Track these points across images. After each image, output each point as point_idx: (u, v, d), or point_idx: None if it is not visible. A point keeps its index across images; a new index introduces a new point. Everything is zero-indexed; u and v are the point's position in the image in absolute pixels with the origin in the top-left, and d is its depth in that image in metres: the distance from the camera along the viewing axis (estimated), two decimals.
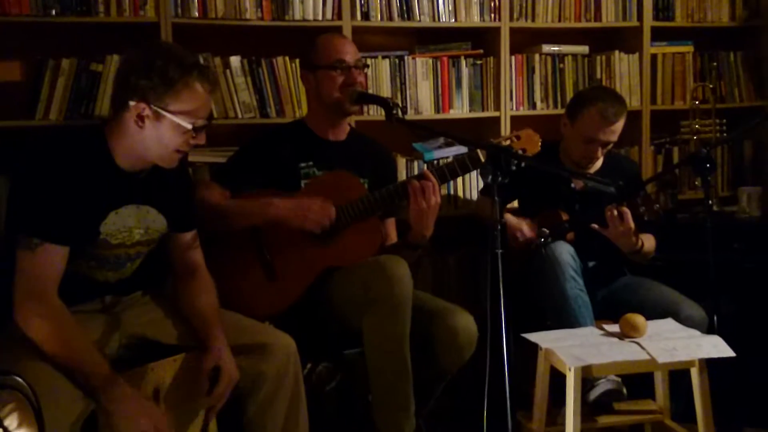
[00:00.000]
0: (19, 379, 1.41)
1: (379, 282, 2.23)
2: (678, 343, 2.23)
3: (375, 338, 2.27)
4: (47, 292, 1.81)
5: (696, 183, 3.48)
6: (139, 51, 1.90)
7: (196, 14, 2.89)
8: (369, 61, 3.11)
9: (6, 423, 1.41)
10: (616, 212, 2.52)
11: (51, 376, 1.72)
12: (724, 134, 3.46)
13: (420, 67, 3.22)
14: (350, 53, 2.54)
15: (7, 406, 1.57)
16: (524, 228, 2.73)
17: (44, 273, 1.82)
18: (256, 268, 2.41)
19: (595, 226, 2.59)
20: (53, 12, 2.73)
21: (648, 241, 2.71)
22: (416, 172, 3.17)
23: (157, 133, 1.87)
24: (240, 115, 2.98)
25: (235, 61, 2.97)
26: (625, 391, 2.43)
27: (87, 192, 1.87)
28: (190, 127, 1.86)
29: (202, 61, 2.85)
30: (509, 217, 2.76)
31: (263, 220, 2.37)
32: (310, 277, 2.41)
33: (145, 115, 1.85)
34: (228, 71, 2.96)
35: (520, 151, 2.43)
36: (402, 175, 3.15)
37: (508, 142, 2.44)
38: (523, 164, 2.00)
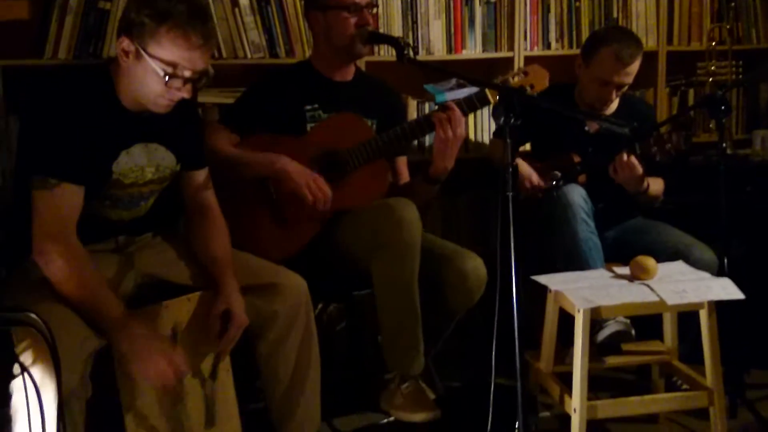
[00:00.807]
0: (34, 317, 1.43)
1: (388, 225, 2.24)
2: (688, 285, 2.23)
3: (384, 281, 2.28)
4: (66, 231, 1.82)
5: (710, 125, 3.45)
6: None
7: None
8: (380, 0, 3.06)
9: (21, 359, 1.44)
10: (625, 157, 2.51)
11: (65, 314, 1.74)
12: (740, 76, 3.41)
13: (432, 5, 3.15)
14: None
15: (22, 342, 1.61)
16: (533, 176, 2.72)
17: (62, 213, 1.82)
18: (266, 213, 2.42)
19: (611, 170, 2.57)
20: None
21: (655, 185, 2.69)
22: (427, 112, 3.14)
23: (137, 74, 1.83)
24: (249, 55, 2.94)
25: None
26: (633, 332, 2.44)
27: (96, 132, 1.87)
28: (162, 74, 1.80)
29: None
30: (520, 163, 2.75)
31: (267, 174, 2.37)
32: (319, 221, 2.41)
33: (128, 51, 1.82)
34: (237, 10, 2.91)
35: (528, 88, 2.41)
36: (413, 116, 3.12)
37: (515, 78, 2.42)
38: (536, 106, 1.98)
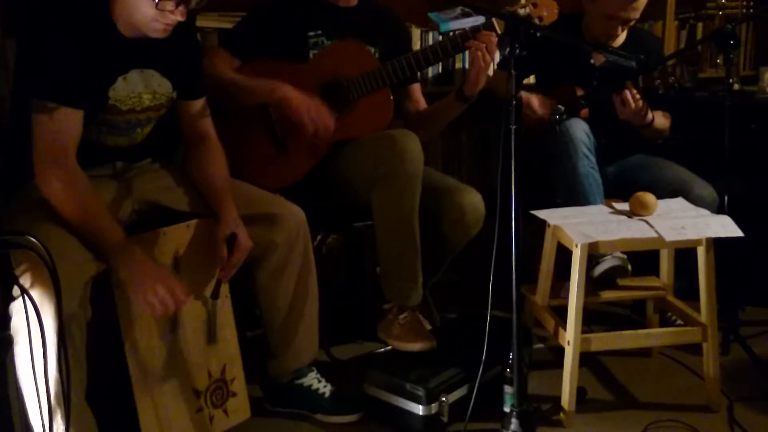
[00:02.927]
0: (34, 240, 1.43)
1: (391, 155, 2.22)
2: (687, 221, 2.23)
3: (384, 211, 2.28)
4: (66, 155, 1.81)
5: (718, 60, 3.39)
6: None
7: None
8: None
9: (21, 281, 1.45)
10: (628, 93, 2.48)
11: (64, 237, 1.75)
12: (751, 10, 3.34)
13: None
14: None
15: (22, 265, 1.61)
16: (534, 101, 2.68)
17: (61, 136, 1.81)
18: (267, 141, 2.40)
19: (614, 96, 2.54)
20: None
21: (660, 119, 2.66)
22: (431, 43, 3.08)
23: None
24: None
25: None
26: (629, 268, 2.46)
27: (93, 56, 1.84)
28: None
29: None
30: (524, 94, 2.71)
31: (268, 101, 2.34)
32: (321, 149, 2.40)
33: None
34: None
35: (536, 20, 2.36)
36: (416, 45, 3.07)
37: (525, 10, 2.37)
38: (541, 35, 1.93)
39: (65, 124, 1.81)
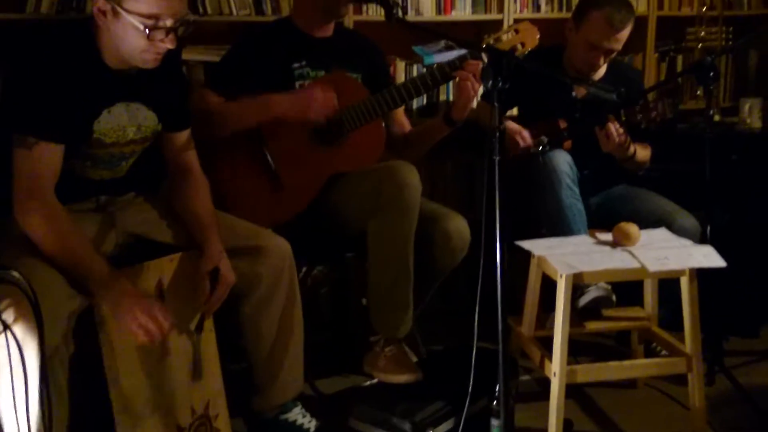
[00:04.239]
0: (17, 274, 1.42)
1: (391, 187, 2.25)
2: (670, 252, 2.25)
3: (381, 240, 2.30)
4: (45, 190, 1.81)
5: (698, 92, 3.44)
6: None
7: None
8: None
9: (3, 317, 1.43)
10: (611, 126, 2.50)
11: (48, 272, 1.73)
12: (730, 43, 3.39)
13: None
14: None
15: (4, 300, 1.59)
16: (524, 132, 2.70)
17: (41, 171, 1.81)
18: (263, 179, 2.40)
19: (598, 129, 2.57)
20: None
21: (642, 151, 2.69)
22: (415, 75, 3.11)
23: (118, 32, 1.80)
24: (235, 12, 2.89)
25: None
26: (614, 298, 2.46)
27: (78, 90, 1.84)
28: (142, 28, 1.76)
29: None
30: (509, 123, 2.74)
31: (264, 117, 2.33)
32: (318, 184, 2.40)
33: (104, 10, 1.78)
34: None
35: (519, 46, 2.40)
36: (400, 78, 3.10)
37: (506, 36, 2.40)
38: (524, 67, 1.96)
39: (45, 158, 1.81)
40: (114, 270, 1.81)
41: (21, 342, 1.44)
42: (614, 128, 2.52)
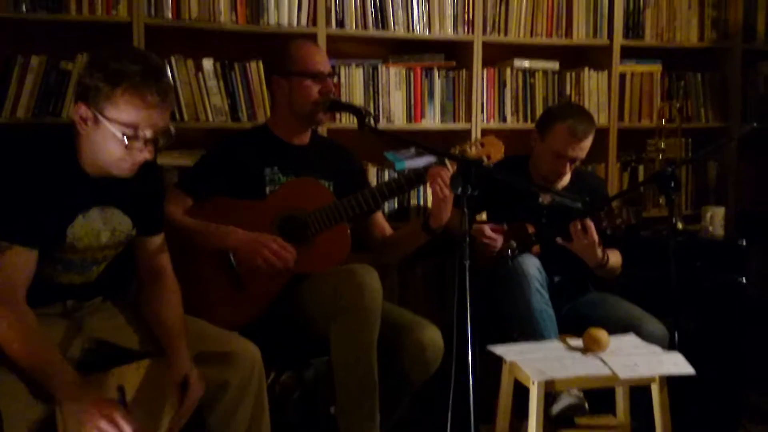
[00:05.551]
0: None
1: (350, 290, 2.23)
2: (639, 359, 2.25)
3: (342, 346, 2.26)
4: (15, 296, 1.78)
5: (660, 201, 3.54)
6: (102, 51, 1.84)
7: (170, 15, 2.87)
8: (342, 69, 3.12)
9: None
10: (580, 225, 2.56)
11: (10, 380, 1.70)
12: (690, 154, 3.52)
13: (393, 76, 3.23)
14: (325, 63, 2.55)
15: None
16: (488, 231, 2.73)
17: (13, 276, 1.79)
18: (223, 277, 2.39)
19: (560, 240, 2.62)
20: (24, 8, 2.69)
21: (614, 257, 2.74)
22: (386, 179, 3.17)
23: (98, 139, 1.81)
24: (211, 119, 2.96)
25: (207, 64, 2.95)
26: (587, 405, 2.45)
27: (54, 195, 1.84)
28: (121, 137, 1.78)
29: (173, 62, 2.87)
30: (475, 226, 2.78)
31: (223, 246, 2.36)
32: (279, 285, 2.40)
33: (86, 117, 1.80)
34: (200, 74, 2.94)
35: (485, 158, 2.47)
36: (372, 183, 3.15)
37: (473, 149, 2.47)
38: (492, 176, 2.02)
39: (17, 264, 1.79)
40: (79, 377, 1.77)
41: None
42: (579, 227, 2.57)
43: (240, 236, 2.35)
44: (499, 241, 2.70)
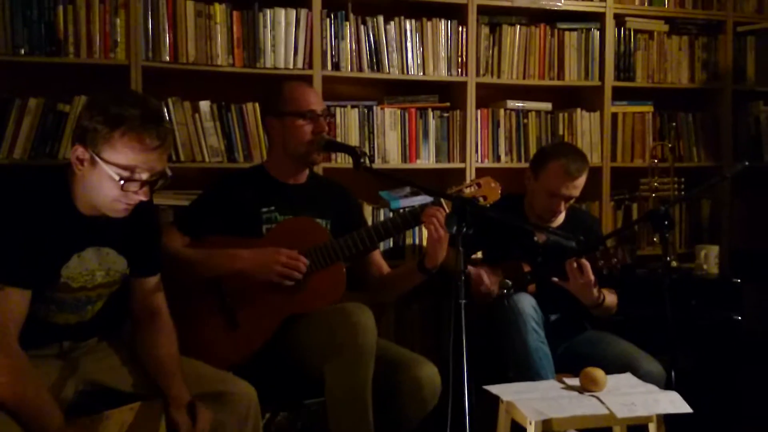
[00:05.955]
0: None
1: (344, 329, 2.23)
2: (636, 398, 2.24)
3: (337, 385, 2.25)
4: (8, 337, 1.77)
5: (654, 239, 3.55)
6: (101, 94, 1.86)
7: (167, 58, 2.91)
8: (338, 110, 3.16)
9: None
10: (576, 265, 2.56)
11: (2, 418, 1.68)
12: (682, 192, 3.55)
13: (388, 117, 3.27)
14: (318, 102, 2.57)
15: None
16: (485, 278, 2.74)
17: (5, 318, 1.78)
18: (218, 316, 2.39)
19: (556, 279, 2.63)
20: (22, 51, 2.73)
21: (610, 296, 2.74)
22: (382, 219, 3.19)
23: (93, 180, 1.82)
24: (207, 159, 2.98)
25: (204, 105, 2.98)
26: None
27: (49, 236, 1.84)
28: (117, 178, 1.78)
29: (171, 104, 2.90)
30: (471, 269, 2.79)
31: (228, 271, 2.36)
32: (273, 324, 2.39)
33: (83, 158, 1.81)
34: (197, 115, 2.97)
35: (481, 199, 2.48)
36: (368, 222, 3.17)
37: (469, 189, 2.49)
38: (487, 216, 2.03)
39: (10, 304, 1.79)
40: (70, 421, 1.76)
41: None
42: (574, 265, 2.57)
43: (246, 257, 2.35)
44: (495, 286, 2.71)
